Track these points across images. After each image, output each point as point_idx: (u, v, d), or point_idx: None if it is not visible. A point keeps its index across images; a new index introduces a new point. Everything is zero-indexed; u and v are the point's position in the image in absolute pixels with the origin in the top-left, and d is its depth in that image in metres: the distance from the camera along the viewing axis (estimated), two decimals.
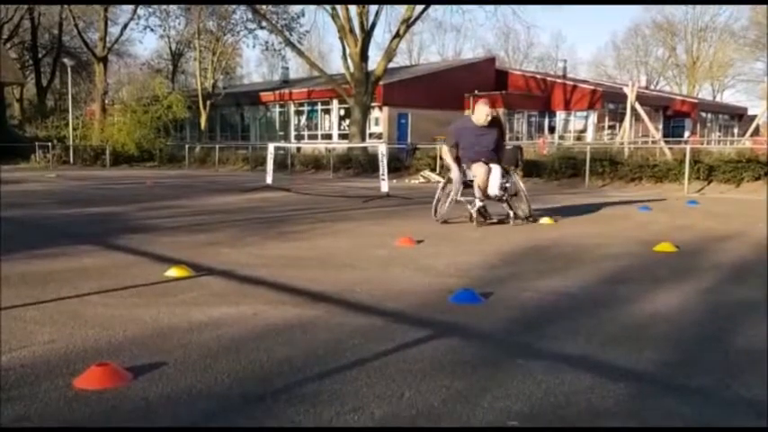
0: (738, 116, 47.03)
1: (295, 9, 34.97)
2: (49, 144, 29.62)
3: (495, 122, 7.92)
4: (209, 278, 4.73)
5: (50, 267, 5.12)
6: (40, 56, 45.50)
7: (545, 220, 8.18)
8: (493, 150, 7.89)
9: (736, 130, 43.79)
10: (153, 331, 3.37)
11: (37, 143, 30.07)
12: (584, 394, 2.54)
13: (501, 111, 34.40)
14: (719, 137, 40.64)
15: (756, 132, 21.97)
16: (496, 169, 7.73)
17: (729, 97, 59.63)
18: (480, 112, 7.75)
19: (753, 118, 20.15)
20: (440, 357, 2.98)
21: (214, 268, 5.07)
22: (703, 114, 44.03)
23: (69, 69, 33.33)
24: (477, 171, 7.72)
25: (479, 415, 2.34)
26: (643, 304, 4.00)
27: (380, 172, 12.64)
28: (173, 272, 4.77)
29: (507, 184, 7.88)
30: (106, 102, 35.70)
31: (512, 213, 7.94)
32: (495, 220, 8.07)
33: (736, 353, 3.09)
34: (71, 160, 30.03)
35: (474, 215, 7.87)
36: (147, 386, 2.62)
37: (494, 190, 7.69)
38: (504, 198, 7.91)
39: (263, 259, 5.52)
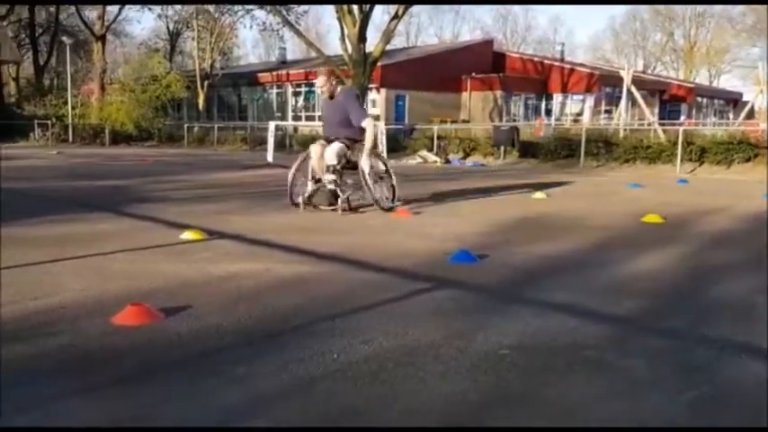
0: (734, 102, 47.25)
1: None
2: (48, 122, 29.75)
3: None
4: (222, 241, 5.03)
5: (69, 231, 5.40)
6: (37, 34, 45.31)
7: (539, 195, 8.48)
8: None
9: (731, 115, 44.00)
10: (177, 282, 3.67)
11: (36, 121, 30.19)
12: (569, 332, 2.85)
13: (498, 93, 34.57)
14: (714, 122, 40.86)
15: (751, 116, 22.25)
16: None
17: (725, 83, 59.78)
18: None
19: (747, 104, 20.41)
20: (439, 304, 3.29)
21: (225, 233, 5.36)
22: (699, 99, 44.24)
23: (68, 48, 33.31)
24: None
25: (476, 346, 2.65)
26: (627, 265, 4.31)
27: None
28: (187, 235, 5.07)
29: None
30: (104, 81, 35.69)
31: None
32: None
33: (708, 302, 3.41)
34: (70, 138, 30.14)
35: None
36: (178, 324, 2.92)
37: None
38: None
39: (269, 226, 5.80)
